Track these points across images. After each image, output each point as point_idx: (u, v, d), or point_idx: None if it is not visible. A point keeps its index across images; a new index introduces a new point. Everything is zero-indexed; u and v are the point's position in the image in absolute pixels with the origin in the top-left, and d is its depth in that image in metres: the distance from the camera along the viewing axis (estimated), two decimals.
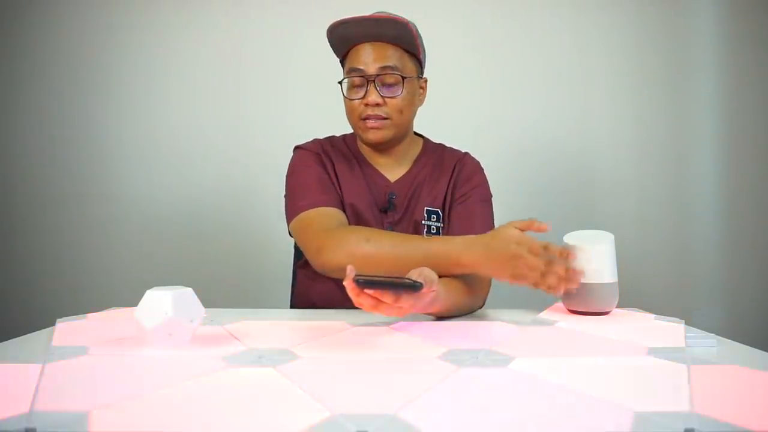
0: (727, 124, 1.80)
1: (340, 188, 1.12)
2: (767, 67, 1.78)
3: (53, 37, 1.78)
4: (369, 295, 0.72)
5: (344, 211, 1.09)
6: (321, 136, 1.23)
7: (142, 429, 0.43)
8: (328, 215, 1.04)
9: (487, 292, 1.04)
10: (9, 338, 0.74)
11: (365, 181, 1.14)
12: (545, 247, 0.84)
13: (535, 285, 0.85)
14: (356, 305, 0.74)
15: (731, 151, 1.80)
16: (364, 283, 0.70)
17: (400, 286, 0.72)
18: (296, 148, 1.19)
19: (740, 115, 1.79)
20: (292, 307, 1.26)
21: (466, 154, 1.21)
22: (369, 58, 1.05)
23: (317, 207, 1.05)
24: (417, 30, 1.09)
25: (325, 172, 1.12)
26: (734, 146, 1.79)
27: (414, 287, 0.73)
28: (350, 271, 0.70)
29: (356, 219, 1.11)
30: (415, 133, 1.21)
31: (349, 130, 1.23)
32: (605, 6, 1.80)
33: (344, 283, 0.71)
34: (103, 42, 1.79)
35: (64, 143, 1.79)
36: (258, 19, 1.80)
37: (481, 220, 1.12)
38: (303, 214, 1.05)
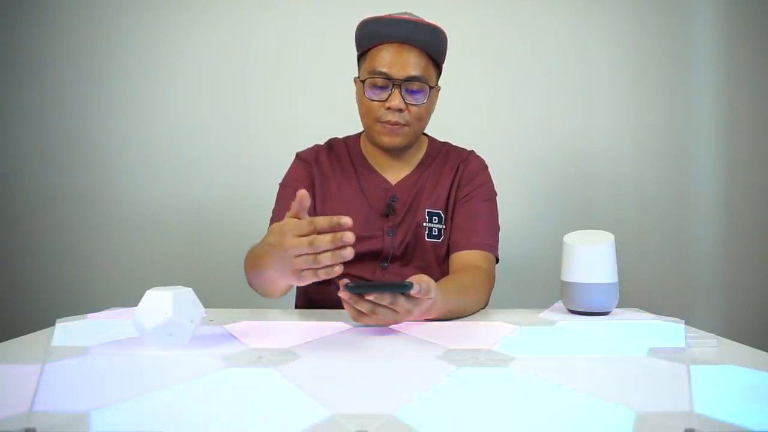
0: (727, 124, 1.80)
1: (331, 199, 1.13)
2: (767, 67, 1.78)
3: (54, 37, 1.78)
4: (366, 300, 0.73)
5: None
6: (323, 139, 1.23)
7: (142, 429, 0.43)
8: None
9: (490, 290, 1.03)
10: (9, 338, 0.74)
11: (363, 187, 1.13)
12: (309, 222, 0.69)
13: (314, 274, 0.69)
14: (354, 318, 0.77)
15: (731, 151, 1.80)
16: (355, 287, 0.71)
17: (389, 286, 0.75)
18: (296, 155, 1.20)
19: (740, 115, 1.79)
20: (296, 307, 1.27)
21: (471, 152, 1.20)
22: (397, 62, 1.02)
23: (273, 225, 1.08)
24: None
25: (309, 184, 1.13)
26: (734, 146, 1.80)
27: (404, 287, 0.73)
28: (343, 284, 0.73)
29: (351, 229, 1.10)
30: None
31: (352, 131, 1.23)
32: (605, 8, 1.80)
33: (339, 293, 0.74)
34: (104, 42, 1.79)
35: (65, 143, 1.79)
36: (260, 20, 1.80)
37: (485, 219, 1.11)
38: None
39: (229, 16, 1.79)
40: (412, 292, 0.74)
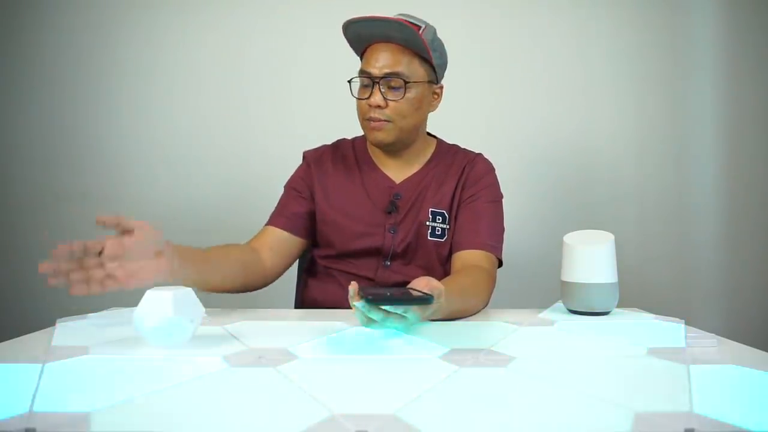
0: (728, 125, 1.79)
1: (334, 196, 1.14)
2: (767, 68, 1.78)
3: (54, 37, 1.78)
4: (380, 309, 0.72)
5: (329, 223, 1.13)
6: (324, 139, 1.24)
7: (142, 429, 0.43)
8: (260, 234, 1.14)
9: (491, 291, 1.03)
10: (9, 338, 0.74)
11: (366, 184, 1.14)
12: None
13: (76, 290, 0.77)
14: (363, 324, 0.74)
15: (731, 151, 1.80)
16: (374, 301, 0.69)
17: (412, 301, 0.72)
18: (302, 155, 1.22)
19: (740, 115, 1.79)
20: (295, 307, 1.27)
21: (478, 155, 1.20)
22: (377, 60, 1.05)
23: (266, 226, 1.15)
24: (433, 36, 1.07)
25: (306, 186, 1.16)
26: (734, 147, 1.79)
27: (426, 301, 0.72)
28: (354, 287, 0.71)
29: (352, 225, 1.11)
30: (430, 135, 1.21)
31: (353, 131, 1.24)
32: (607, 9, 1.80)
33: (354, 303, 0.71)
34: (104, 42, 1.78)
35: (65, 143, 1.78)
36: (262, 19, 1.79)
37: (489, 220, 1.11)
38: None
39: (231, 15, 1.79)
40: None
